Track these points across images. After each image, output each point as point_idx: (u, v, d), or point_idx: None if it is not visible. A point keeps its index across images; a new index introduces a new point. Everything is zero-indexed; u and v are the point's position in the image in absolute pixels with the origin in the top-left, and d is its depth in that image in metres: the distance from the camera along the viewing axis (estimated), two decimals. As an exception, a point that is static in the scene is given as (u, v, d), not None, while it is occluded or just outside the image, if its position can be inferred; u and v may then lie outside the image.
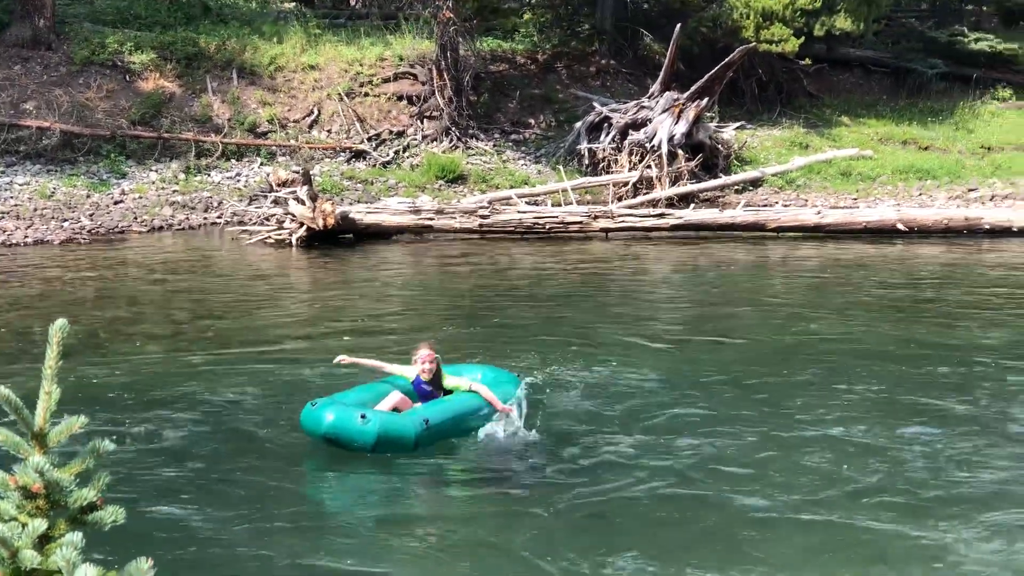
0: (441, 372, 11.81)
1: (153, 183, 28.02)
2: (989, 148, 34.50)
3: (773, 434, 11.61)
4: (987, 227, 25.56)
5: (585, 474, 10.65)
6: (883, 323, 17.44)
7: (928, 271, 22.35)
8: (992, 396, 13.14)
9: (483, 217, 25.06)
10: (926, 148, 34.08)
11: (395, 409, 11.33)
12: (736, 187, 30.19)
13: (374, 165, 30.39)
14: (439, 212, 25.25)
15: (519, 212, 25.42)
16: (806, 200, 29.52)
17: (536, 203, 27.10)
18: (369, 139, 31.17)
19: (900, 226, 25.25)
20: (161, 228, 25.75)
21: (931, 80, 37.94)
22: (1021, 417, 12.40)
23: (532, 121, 33.38)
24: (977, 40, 37.77)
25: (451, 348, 14.17)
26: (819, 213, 25.86)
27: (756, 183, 30.67)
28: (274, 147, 30.36)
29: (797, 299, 19.47)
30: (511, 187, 29.09)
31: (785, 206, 27.32)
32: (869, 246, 24.50)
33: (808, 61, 34.42)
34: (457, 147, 31.18)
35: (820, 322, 17.41)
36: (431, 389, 11.72)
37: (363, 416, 10.84)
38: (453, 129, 31.51)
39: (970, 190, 31.17)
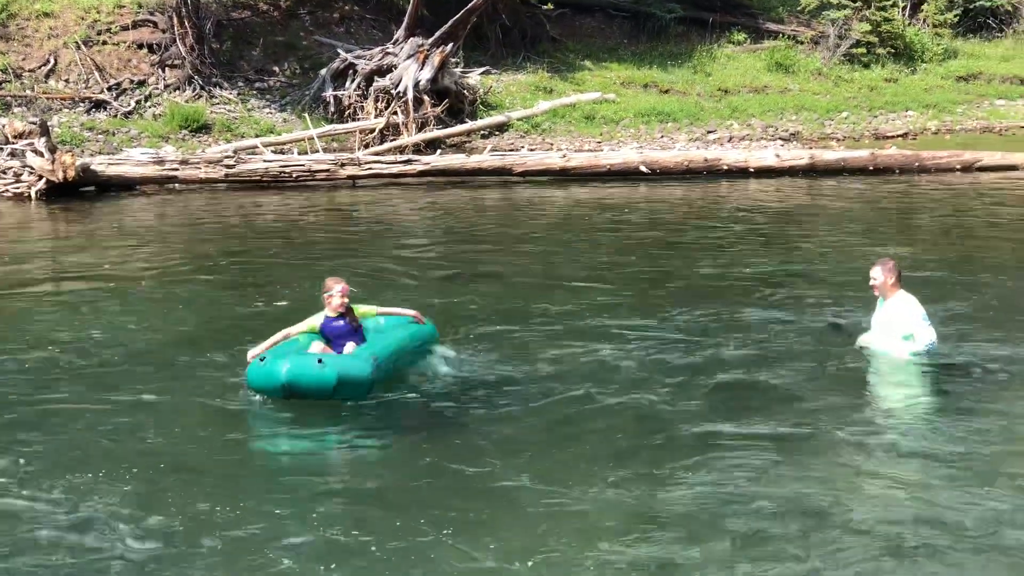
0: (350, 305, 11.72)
1: None
2: (726, 91, 35.44)
3: (567, 351, 12.61)
4: (726, 168, 26.34)
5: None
6: (631, 257, 18.13)
7: (671, 211, 22.97)
8: (750, 309, 14.27)
9: (229, 167, 24.72)
10: (667, 91, 34.82)
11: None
12: (482, 132, 30.39)
13: (115, 115, 29.55)
14: (184, 162, 24.83)
15: (265, 161, 25.14)
16: (551, 144, 29.88)
17: (282, 152, 26.85)
18: (109, 88, 30.28)
19: (643, 168, 25.82)
20: None
21: (670, 24, 38.71)
22: (776, 328, 13.46)
23: (276, 69, 32.88)
24: (712, -15, 38.76)
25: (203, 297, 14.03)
26: (564, 157, 26.24)
27: (502, 128, 30.91)
28: (8, 97, 29.26)
29: (548, 239, 19.92)
30: (257, 136, 28.68)
31: (531, 150, 27.71)
32: (614, 188, 25.01)
33: (550, 6, 34.66)
34: (201, 96, 30.57)
35: (572, 259, 18.05)
36: (343, 323, 11.55)
37: (320, 360, 10.66)
38: (196, 78, 30.85)
39: (709, 132, 32.07)
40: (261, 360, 10.77)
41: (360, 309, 11.82)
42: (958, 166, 27.07)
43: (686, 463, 9.57)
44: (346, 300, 11.57)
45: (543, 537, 8.32)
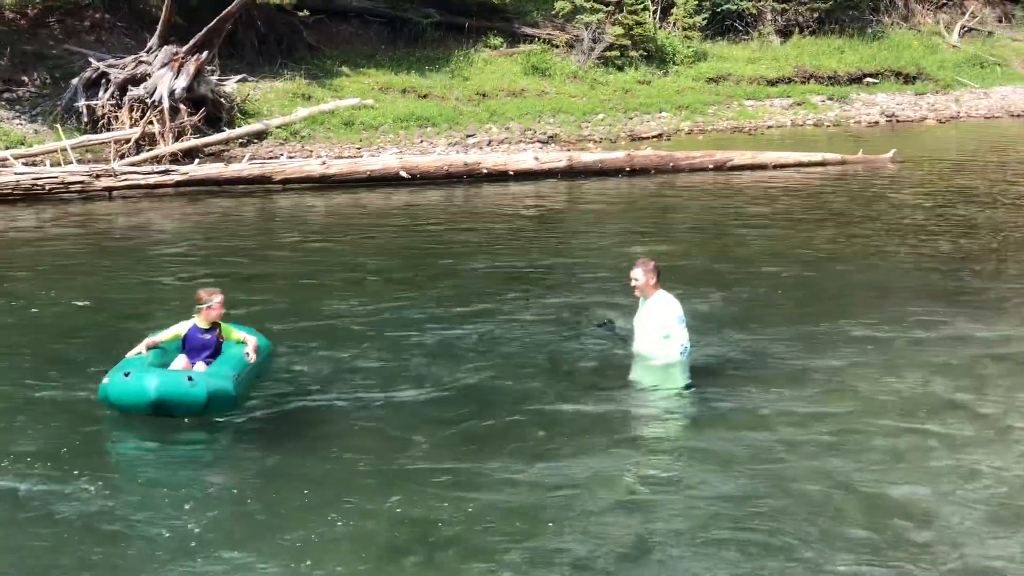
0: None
1: None
2: (484, 95, 35.75)
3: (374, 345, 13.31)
4: (486, 171, 26.65)
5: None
6: (396, 260, 18.56)
7: (432, 215, 23.14)
8: (514, 309, 14.88)
9: (-24, 180, 23.99)
10: (425, 96, 34.95)
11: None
12: (241, 140, 30.00)
13: None
14: (-72, 176, 24.03)
15: (16, 174, 24.41)
16: (311, 151, 29.72)
17: (34, 164, 26.12)
18: None
19: (403, 173, 25.95)
20: None
21: (426, 29, 38.86)
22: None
23: (26, 79, 31.95)
24: (468, -10, 39.07)
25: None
26: (324, 164, 26.17)
27: (261, 136, 30.58)
28: None
29: (311, 245, 20.10)
30: (7, 148, 27.79)
31: (290, 158, 27.55)
32: (375, 194, 25.07)
33: (306, 12, 34.45)
34: (-56, 108, 29.59)
35: (339, 263, 18.44)
36: (211, 336, 11.57)
37: (190, 378, 10.52)
38: (-61, 89, 29.87)
39: (468, 136, 32.32)
40: (126, 375, 10.56)
41: (231, 331, 11.88)
42: (711, 166, 28.00)
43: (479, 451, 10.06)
44: (221, 311, 11.64)
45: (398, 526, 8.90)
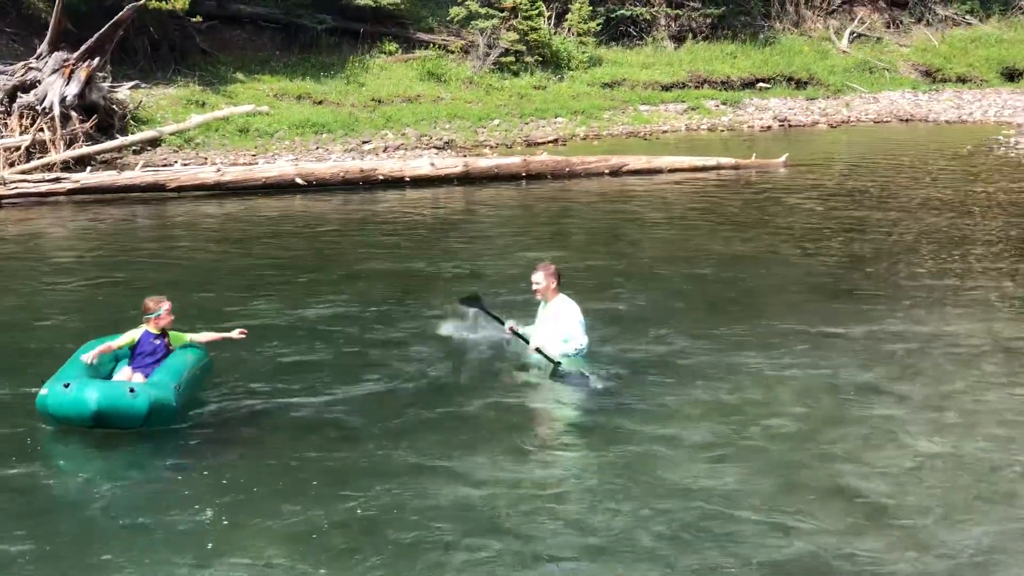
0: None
1: None
2: (380, 101, 35.71)
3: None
4: (382, 178, 26.57)
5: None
6: (288, 272, 18.26)
7: (328, 221, 23.05)
8: (412, 314, 14.48)
9: None
10: (320, 102, 34.84)
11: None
12: (135, 148, 29.61)
13: None
14: None
15: (-98, 183, 24.03)
16: (206, 158, 29.43)
17: (-79, 173, 25.67)
18: None
19: (299, 180, 25.79)
20: None
21: (321, 35, 38.72)
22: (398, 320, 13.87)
23: (-89, 86, 31.40)
24: (363, -5, 38.98)
25: None
26: (219, 171, 25.93)
27: (155, 143, 30.21)
28: None
29: (205, 253, 19.92)
30: None
31: (185, 165, 27.27)
32: (271, 201, 24.89)
33: (199, 18, 34.16)
34: None
35: (234, 270, 18.35)
36: (160, 342, 11.48)
37: (132, 390, 10.30)
38: None
39: (364, 142, 32.23)
40: (65, 386, 10.35)
41: (180, 337, 11.86)
42: (606, 170, 28.20)
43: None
44: (170, 318, 11.61)
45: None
